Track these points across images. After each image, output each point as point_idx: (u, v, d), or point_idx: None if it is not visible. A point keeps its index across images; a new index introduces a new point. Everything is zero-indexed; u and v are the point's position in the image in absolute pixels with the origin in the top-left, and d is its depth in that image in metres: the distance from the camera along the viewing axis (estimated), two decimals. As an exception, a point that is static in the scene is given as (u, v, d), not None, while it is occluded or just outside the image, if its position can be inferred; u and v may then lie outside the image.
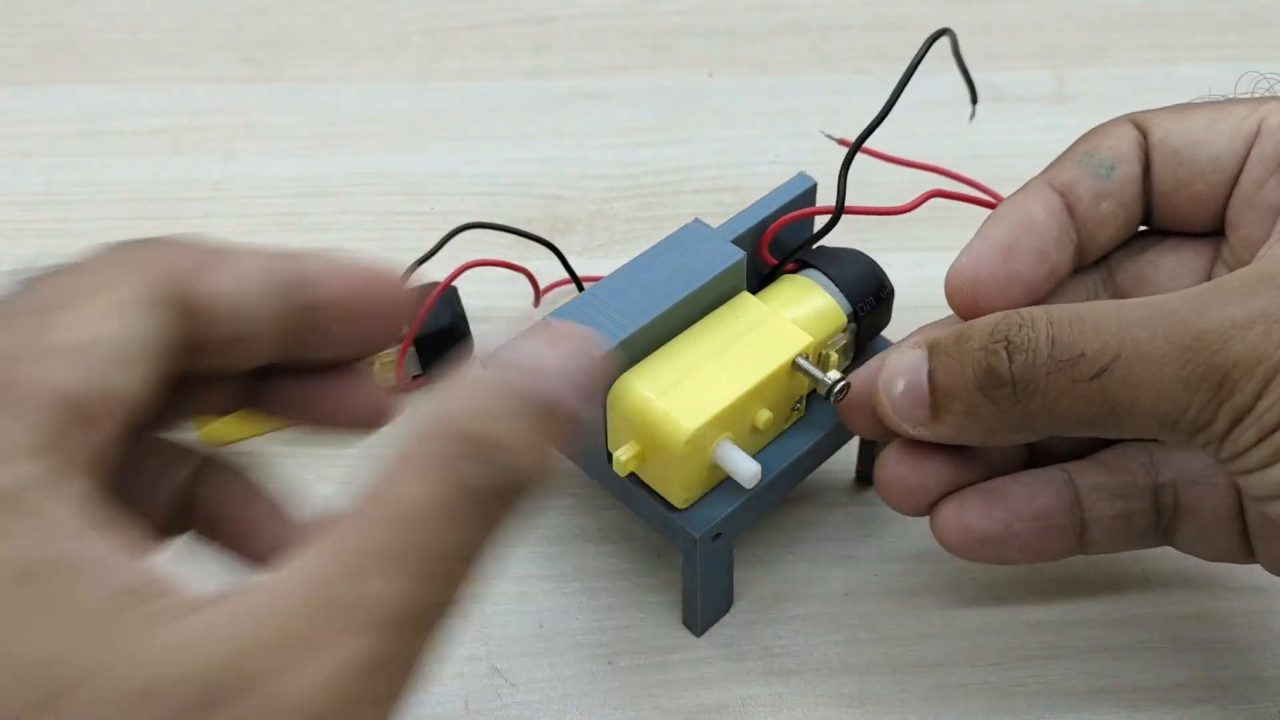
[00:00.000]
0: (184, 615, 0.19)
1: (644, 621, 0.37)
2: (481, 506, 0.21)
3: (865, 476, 0.40)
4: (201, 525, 0.26)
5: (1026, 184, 0.33)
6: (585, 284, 0.41)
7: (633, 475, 0.33)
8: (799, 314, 0.35)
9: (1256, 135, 0.31)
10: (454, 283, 0.41)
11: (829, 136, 0.39)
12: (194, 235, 0.25)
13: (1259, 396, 0.26)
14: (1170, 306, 0.27)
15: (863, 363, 0.34)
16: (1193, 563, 0.38)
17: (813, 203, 0.38)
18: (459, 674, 0.36)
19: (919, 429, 0.30)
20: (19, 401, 0.20)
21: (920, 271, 0.48)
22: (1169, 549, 0.34)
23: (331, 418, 0.27)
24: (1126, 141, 0.32)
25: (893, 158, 0.39)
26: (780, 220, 0.37)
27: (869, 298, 0.36)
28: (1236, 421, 0.26)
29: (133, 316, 0.22)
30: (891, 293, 0.37)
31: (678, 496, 0.33)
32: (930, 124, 0.55)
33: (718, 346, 0.33)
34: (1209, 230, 0.32)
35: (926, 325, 0.34)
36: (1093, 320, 0.27)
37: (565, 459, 0.37)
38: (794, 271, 0.37)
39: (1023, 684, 0.36)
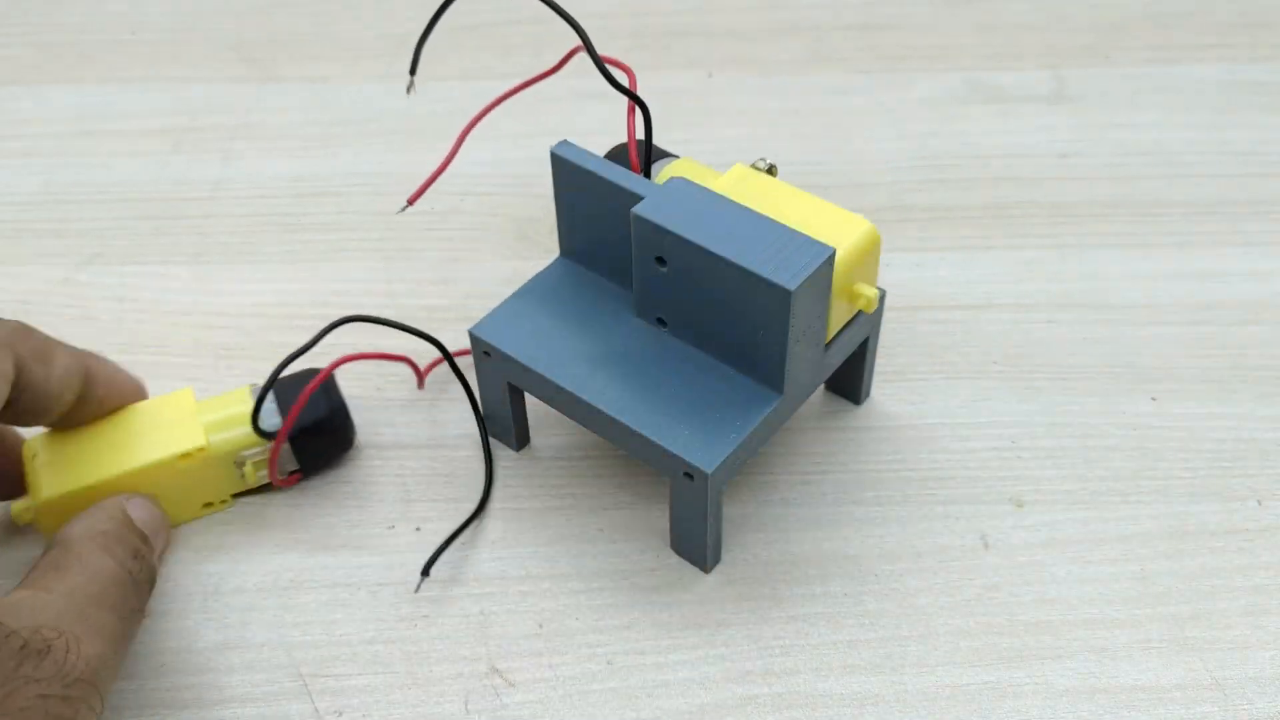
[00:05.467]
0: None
1: (643, 621, 0.37)
2: (134, 580, 0.35)
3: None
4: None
5: None
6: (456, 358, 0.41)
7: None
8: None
9: None
10: (335, 372, 0.40)
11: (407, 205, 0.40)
12: (36, 331, 0.36)
13: None
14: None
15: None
16: (1193, 564, 0.38)
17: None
18: (459, 674, 0.36)
19: None
20: None
21: (920, 271, 0.48)
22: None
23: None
24: None
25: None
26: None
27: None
28: None
29: None
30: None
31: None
32: (929, 124, 0.55)
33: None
34: None
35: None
36: None
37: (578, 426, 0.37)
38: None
39: (1023, 684, 0.36)
